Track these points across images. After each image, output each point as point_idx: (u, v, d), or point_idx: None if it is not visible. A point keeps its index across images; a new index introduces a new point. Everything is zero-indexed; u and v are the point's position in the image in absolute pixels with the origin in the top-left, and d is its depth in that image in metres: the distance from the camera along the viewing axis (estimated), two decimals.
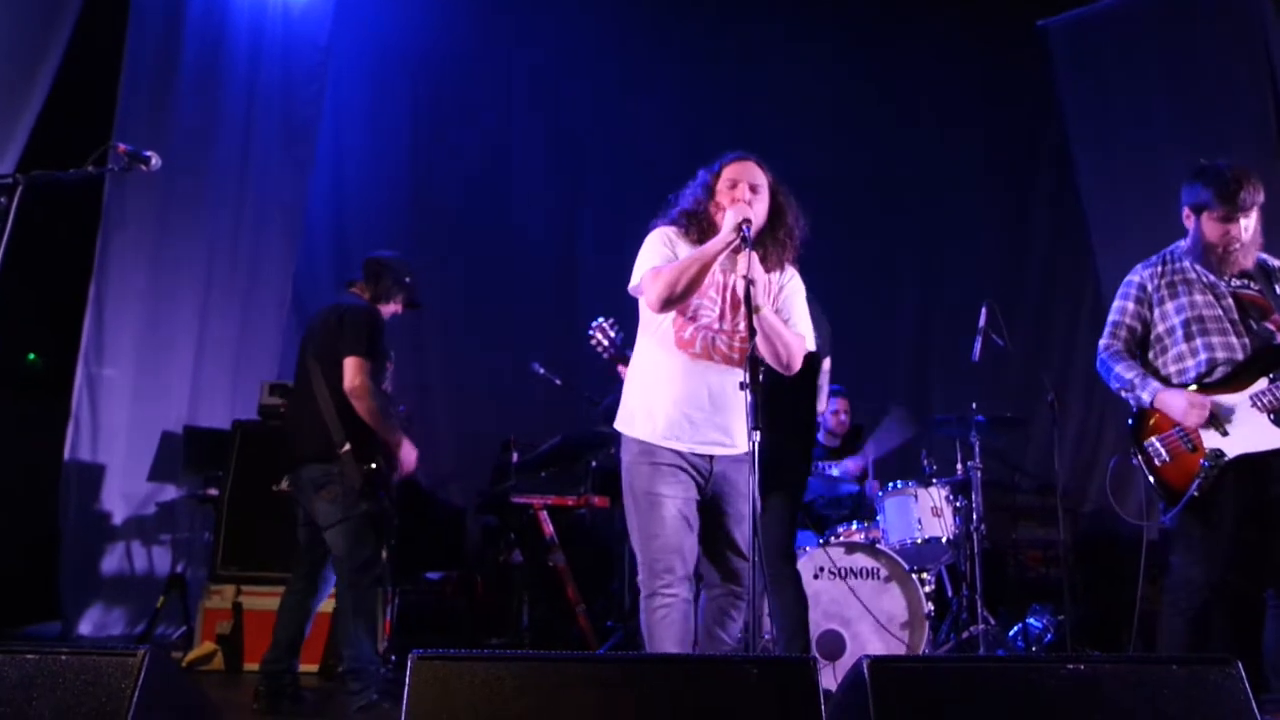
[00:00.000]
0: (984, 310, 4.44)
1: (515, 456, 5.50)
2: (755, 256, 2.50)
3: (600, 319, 3.40)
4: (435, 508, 6.13)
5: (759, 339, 2.49)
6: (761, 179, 2.70)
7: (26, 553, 5.28)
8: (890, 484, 4.52)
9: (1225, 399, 2.85)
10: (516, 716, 1.48)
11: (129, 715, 1.49)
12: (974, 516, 4.41)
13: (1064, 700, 1.55)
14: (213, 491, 4.84)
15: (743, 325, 2.48)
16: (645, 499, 2.54)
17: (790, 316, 2.72)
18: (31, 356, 6.12)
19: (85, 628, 5.08)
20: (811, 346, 2.72)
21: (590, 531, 5.58)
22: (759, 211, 2.64)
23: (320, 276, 6.26)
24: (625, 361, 3.24)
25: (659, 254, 2.66)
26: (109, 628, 5.13)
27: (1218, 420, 2.84)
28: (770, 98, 6.82)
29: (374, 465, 3.47)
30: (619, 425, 2.69)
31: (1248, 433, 2.80)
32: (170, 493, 5.39)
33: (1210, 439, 2.84)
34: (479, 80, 6.72)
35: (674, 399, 2.58)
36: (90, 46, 5.21)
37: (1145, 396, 2.94)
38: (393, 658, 4.18)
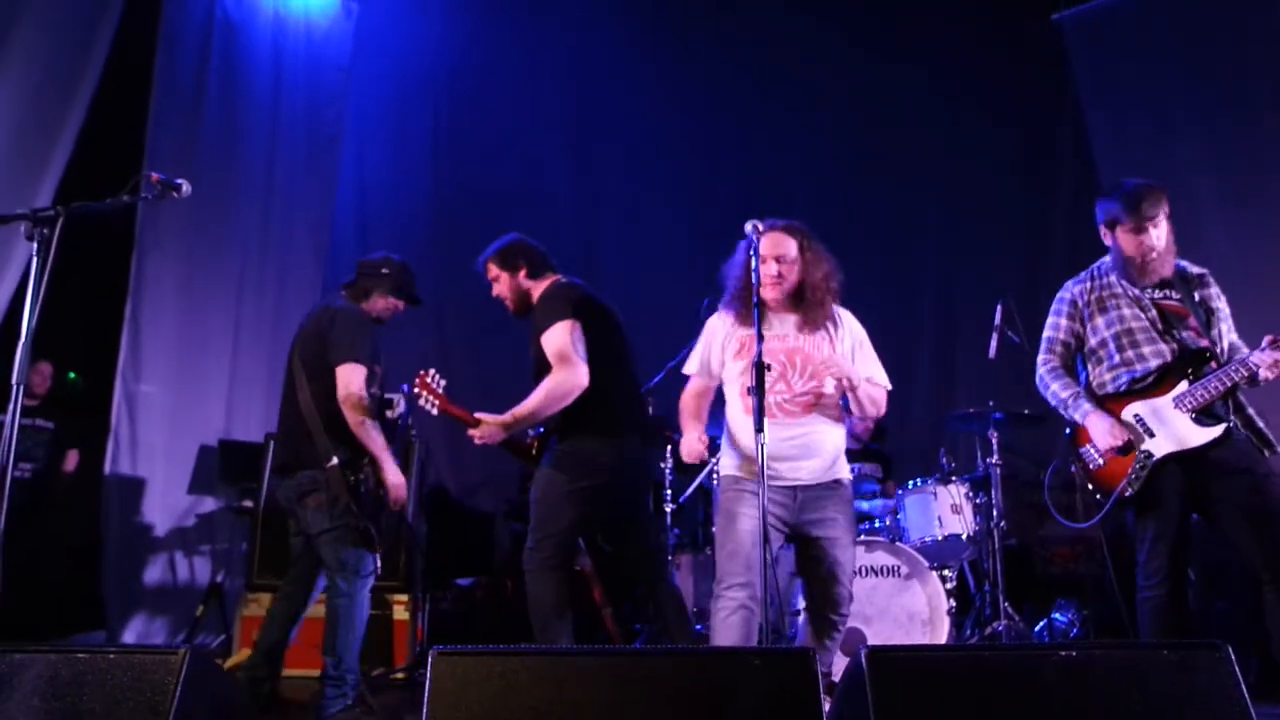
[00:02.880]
0: (999, 307, 4.48)
1: None
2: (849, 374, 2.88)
3: (422, 372, 3.34)
4: (465, 515, 6.25)
5: (856, 410, 2.94)
6: (788, 248, 2.91)
7: (72, 565, 5.46)
8: (910, 482, 4.57)
9: (1150, 402, 3.00)
10: (531, 707, 1.58)
11: (172, 708, 1.60)
12: (994, 513, 4.44)
13: (1058, 687, 1.61)
14: (248, 503, 4.97)
15: (799, 385, 2.89)
16: (726, 515, 2.85)
17: (865, 368, 2.99)
18: (72, 375, 6.30)
19: (129, 637, 5.23)
20: (888, 385, 3.04)
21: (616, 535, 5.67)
22: (789, 279, 2.92)
23: (336, 290, 6.41)
24: (462, 418, 3.33)
25: (697, 358, 3.15)
26: (151, 636, 5.29)
27: (1145, 424, 2.99)
28: (789, 101, 6.87)
29: (360, 478, 3.38)
30: (721, 470, 3.05)
31: (1173, 433, 2.95)
32: (209, 504, 5.55)
33: (1139, 441, 2.99)
34: (499, 97, 6.83)
35: (749, 454, 2.84)
36: (119, 73, 5.39)
37: (1077, 417, 3.13)
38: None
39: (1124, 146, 6.17)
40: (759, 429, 2.38)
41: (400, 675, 4.42)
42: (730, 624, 2.65)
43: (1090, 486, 3.10)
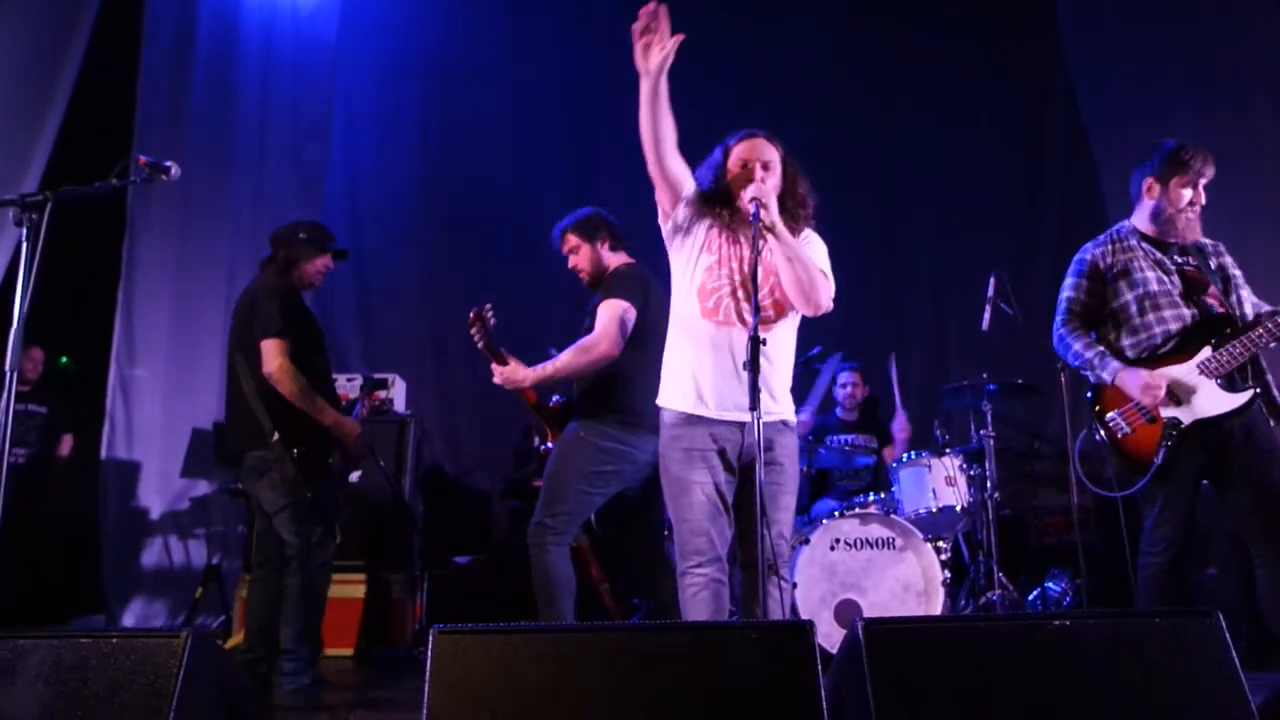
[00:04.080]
0: (992, 280, 4.49)
1: (536, 441, 5.62)
2: (775, 215, 2.59)
3: (480, 306, 3.38)
4: (461, 494, 6.29)
5: (780, 268, 2.61)
6: (772, 154, 2.74)
7: (69, 549, 5.47)
8: (904, 455, 4.60)
9: (1175, 369, 3.00)
10: (531, 683, 1.60)
11: (176, 691, 1.61)
12: (988, 484, 4.48)
13: (1052, 654, 1.63)
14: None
15: (763, 293, 2.56)
16: (676, 484, 2.65)
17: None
18: (64, 360, 6.28)
19: (128, 620, 5.26)
20: (830, 280, 2.74)
21: (612, 511, 5.71)
22: (771, 186, 2.69)
23: (335, 272, 6.38)
24: (495, 354, 3.38)
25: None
26: (151, 619, 5.31)
27: (1171, 390, 2.98)
28: (783, 76, 6.82)
29: (303, 450, 3.38)
30: (660, 402, 2.77)
31: (1200, 400, 2.96)
32: (204, 487, 5.55)
33: (1166, 409, 2.99)
34: (488, 76, 6.79)
35: (703, 367, 2.67)
36: (105, 56, 5.33)
37: (1105, 376, 3.08)
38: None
39: (1118, 124, 6.14)
40: (754, 406, 2.33)
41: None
42: (701, 599, 2.56)
43: (1117, 455, 3.08)
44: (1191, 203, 3.08)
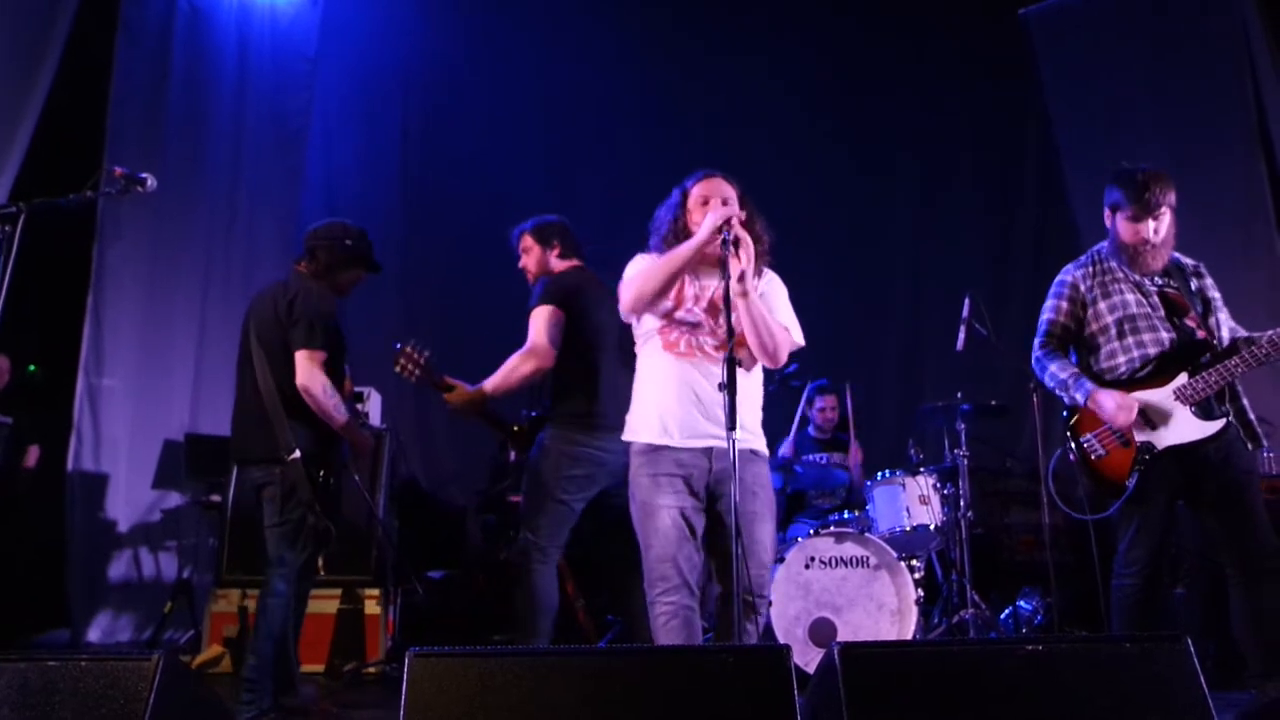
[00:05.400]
0: (966, 301, 4.53)
1: (512, 455, 5.60)
2: (747, 250, 2.60)
3: (400, 343, 3.33)
4: (436, 508, 6.24)
5: (745, 329, 2.63)
6: (730, 192, 2.81)
7: (34, 562, 5.37)
8: (879, 473, 4.63)
9: (1151, 394, 3.01)
10: (508, 707, 1.59)
11: (146, 716, 1.58)
12: (961, 503, 4.51)
13: (1024, 680, 1.65)
14: (216, 497, 4.92)
15: (723, 333, 2.58)
16: (643, 509, 2.67)
17: (773, 311, 2.79)
18: (31, 368, 6.19)
19: (94, 635, 5.17)
20: (800, 340, 2.81)
21: (589, 528, 5.69)
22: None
23: None
24: (438, 384, 3.38)
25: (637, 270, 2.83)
26: (117, 634, 5.22)
27: (1146, 415, 2.99)
28: (758, 97, 6.90)
29: (322, 476, 3.26)
30: (626, 437, 2.82)
31: (1174, 426, 2.97)
32: (174, 499, 5.48)
33: (1140, 433, 3.00)
34: (468, 86, 6.80)
35: (666, 398, 2.70)
36: (78, 63, 5.27)
37: (1079, 396, 3.08)
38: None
39: (1090, 144, 6.24)
40: (731, 426, 2.35)
41: (372, 670, 4.41)
42: (672, 628, 2.56)
43: (1090, 475, 3.09)
44: (1140, 236, 3.02)
